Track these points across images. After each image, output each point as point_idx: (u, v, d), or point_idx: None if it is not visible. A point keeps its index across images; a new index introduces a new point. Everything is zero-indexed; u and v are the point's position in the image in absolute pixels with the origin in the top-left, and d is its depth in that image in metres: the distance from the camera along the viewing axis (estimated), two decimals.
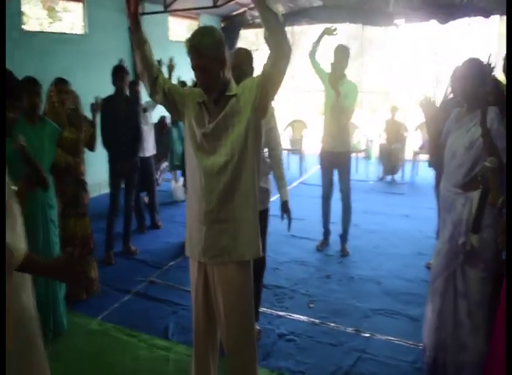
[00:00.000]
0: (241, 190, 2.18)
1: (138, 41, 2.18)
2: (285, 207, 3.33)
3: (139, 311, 3.82)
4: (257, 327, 3.35)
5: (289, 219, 3.33)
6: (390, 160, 8.26)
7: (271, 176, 3.35)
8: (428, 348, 2.94)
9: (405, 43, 10.81)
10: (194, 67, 2.12)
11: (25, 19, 6.85)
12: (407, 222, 6.10)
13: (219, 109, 2.16)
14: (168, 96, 2.27)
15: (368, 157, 9.22)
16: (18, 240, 1.76)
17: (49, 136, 3.31)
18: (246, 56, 3.10)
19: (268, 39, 1.99)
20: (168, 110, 2.36)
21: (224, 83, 2.16)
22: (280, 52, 2.00)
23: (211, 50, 2.06)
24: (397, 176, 8.39)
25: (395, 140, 8.35)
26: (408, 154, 8.51)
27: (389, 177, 8.46)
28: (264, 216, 3.12)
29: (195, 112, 2.22)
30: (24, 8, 6.66)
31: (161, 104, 2.35)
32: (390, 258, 4.91)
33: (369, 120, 11.66)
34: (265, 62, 2.07)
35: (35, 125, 3.26)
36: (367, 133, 9.42)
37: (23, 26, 6.42)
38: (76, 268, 1.79)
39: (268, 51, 2.04)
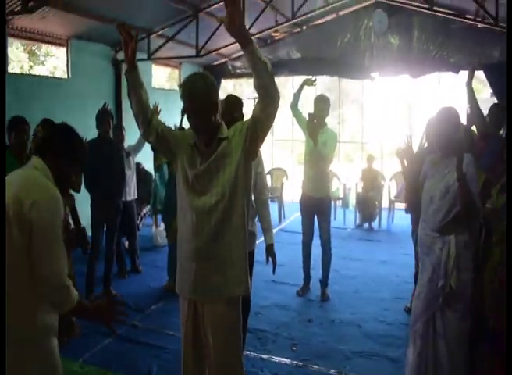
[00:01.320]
0: (231, 229, 2.26)
1: (134, 81, 2.29)
2: (270, 250, 3.40)
3: (121, 354, 3.78)
4: None
5: (274, 262, 3.39)
6: (367, 208, 8.47)
7: (256, 220, 3.44)
8: None
9: (380, 95, 11.30)
10: (187, 110, 2.24)
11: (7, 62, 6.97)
12: (384, 267, 6.22)
13: (211, 151, 2.26)
14: (162, 137, 2.36)
15: (345, 205, 9.42)
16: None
17: None
18: (236, 103, 3.27)
19: (258, 86, 2.12)
20: (161, 151, 2.46)
21: (215, 126, 2.27)
22: (269, 99, 2.13)
23: (203, 94, 2.19)
24: (374, 224, 8.57)
25: (371, 188, 8.59)
26: (385, 202, 8.75)
27: (366, 225, 8.63)
28: (250, 258, 3.17)
29: (187, 153, 2.31)
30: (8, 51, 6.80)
31: (154, 145, 2.45)
32: (370, 302, 4.97)
33: (346, 169, 11.97)
34: (255, 107, 2.20)
35: (23, 162, 3.32)
36: (344, 182, 9.67)
37: (8, 71, 6.54)
38: (115, 310, 1.96)
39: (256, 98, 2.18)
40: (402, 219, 7.33)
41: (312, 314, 4.67)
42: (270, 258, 3.41)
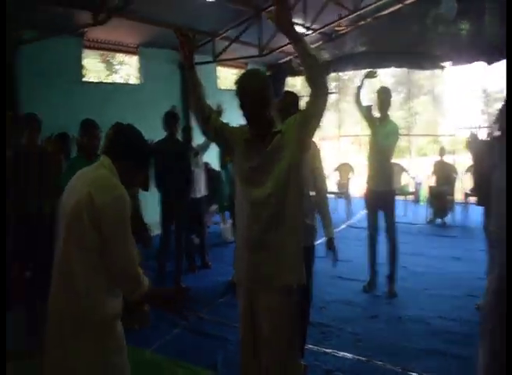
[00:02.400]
0: (285, 220, 2.31)
1: (192, 80, 2.42)
2: (330, 244, 3.40)
3: (188, 344, 3.94)
4: (304, 363, 3.37)
5: (335, 256, 3.39)
6: (439, 202, 8.15)
7: (317, 214, 3.45)
8: None
9: (453, 85, 10.82)
10: (242, 106, 2.32)
11: (84, 71, 7.46)
12: (457, 264, 5.97)
13: (265, 145, 2.34)
14: (219, 134, 2.48)
15: (416, 200, 9.13)
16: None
17: None
18: (292, 99, 3.31)
19: (308, 79, 2.20)
20: (219, 146, 2.58)
21: (269, 120, 2.34)
22: (318, 91, 2.20)
23: (258, 90, 2.26)
24: (447, 219, 8.24)
25: (444, 182, 8.27)
26: (459, 196, 8.38)
27: (438, 220, 8.32)
28: (309, 252, 3.17)
29: (243, 148, 2.40)
30: (84, 61, 7.28)
31: (213, 141, 2.58)
32: (440, 300, 4.81)
33: (419, 163, 11.59)
34: (306, 101, 2.27)
35: (92, 161, 3.56)
36: (415, 176, 9.37)
37: (83, 79, 6.99)
38: (184, 299, 2.12)
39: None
40: (478, 214, 6.98)
41: (378, 310, 4.60)
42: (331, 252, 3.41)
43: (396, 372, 3.47)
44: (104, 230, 1.94)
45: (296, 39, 2.14)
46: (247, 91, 2.27)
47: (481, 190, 3.17)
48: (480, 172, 3.10)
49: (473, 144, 3.09)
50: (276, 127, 2.36)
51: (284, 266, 2.34)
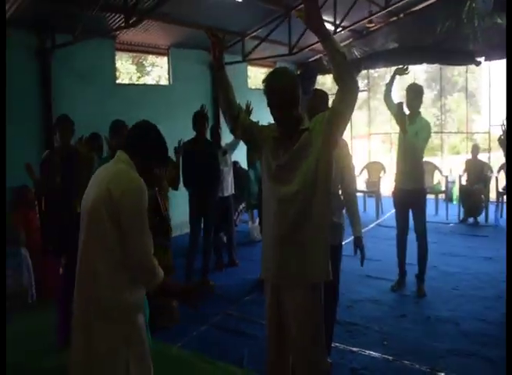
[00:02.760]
0: (312, 216, 2.34)
1: (221, 80, 2.47)
2: (358, 242, 3.40)
3: (215, 340, 4.01)
4: (329, 361, 3.38)
5: (362, 255, 3.39)
6: (472, 201, 7.99)
7: (345, 212, 3.45)
8: None
9: (487, 81, 10.54)
10: (270, 104, 2.35)
11: (117, 74, 7.63)
12: (489, 264, 5.85)
13: (293, 143, 2.36)
14: (248, 132, 2.53)
15: (448, 199, 8.97)
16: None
17: None
18: (322, 97, 3.33)
19: (336, 76, 2.21)
20: (248, 144, 2.61)
21: (297, 118, 2.37)
22: (347, 89, 2.20)
23: (286, 88, 2.29)
24: (480, 218, 8.06)
25: (477, 180, 8.09)
26: (493, 195, 8.19)
27: (471, 219, 8.15)
28: (336, 251, 3.18)
29: (271, 145, 2.44)
30: (117, 64, 7.45)
31: (241, 139, 2.63)
32: (470, 300, 4.73)
33: (451, 161, 11.37)
34: (334, 98, 2.27)
35: None
36: (447, 175, 9.20)
37: (116, 81, 7.16)
38: (200, 295, 2.19)
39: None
40: None
41: (406, 310, 4.56)
42: (358, 250, 3.41)
43: (423, 372, 3.45)
44: (121, 222, 2.00)
45: (326, 37, 2.15)
46: (275, 89, 2.30)
47: None
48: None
49: (505, 140, 3.01)
50: (304, 125, 2.38)
51: (311, 262, 2.36)
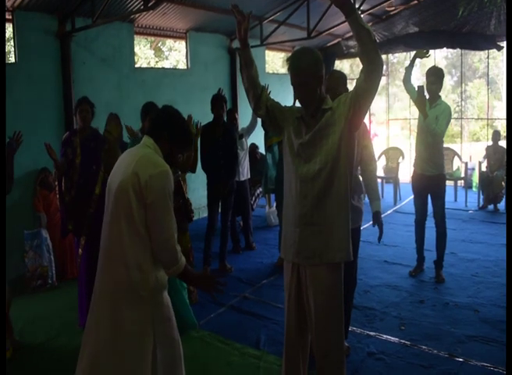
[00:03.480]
0: (333, 196, 2.35)
1: (246, 59, 2.46)
2: (376, 217, 3.36)
3: (233, 322, 4.04)
4: (346, 344, 3.39)
5: (381, 230, 3.36)
6: (492, 188, 7.88)
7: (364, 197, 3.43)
8: None
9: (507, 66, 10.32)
10: (294, 83, 2.36)
11: (136, 58, 7.63)
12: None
13: (316, 122, 2.37)
14: (270, 111, 2.53)
15: (468, 185, 8.85)
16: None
17: None
18: (340, 78, 3.29)
19: (361, 53, 2.20)
20: (269, 124, 2.61)
21: (320, 98, 2.38)
22: (372, 66, 2.18)
23: (310, 67, 2.30)
24: (500, 205, 7.95)
25: (497, 167, 7.96)
26: None
27: (490, 206, 8.05)
28: (355, 234, 3.18)
29: (294, 125, 2.45)
30: (135, 48, 7.44)
31: (263, 118, 2.62)
32: (490, 287, 4.69)
33: (471, 148, 11.21)
34: (359, 76, 2.27)
35: None
36: (466, 161, 9.07)
37: (135, 65, 7.16)
38: (216, 282, 2.22)
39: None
40: None
41: (424, 296, 4.53)
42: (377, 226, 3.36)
43: (441, 357, 3.43)
44: (147, 206, 2.05)
45: (351, 12, 2.13)
46: (299, 67, 2.31)
47: None
48: None
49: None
50: (327, 105, 2.37)
51: (333, 241, 2.37)
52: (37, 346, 3.76)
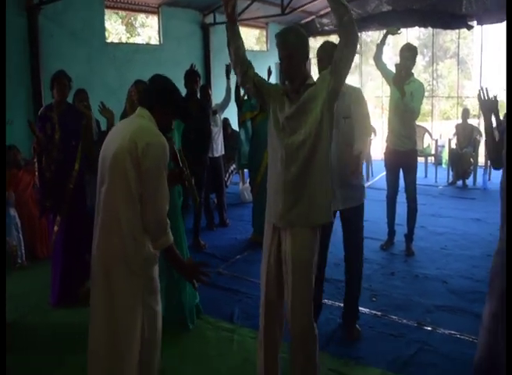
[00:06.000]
0: (317, 163, 2.49)
1: (233, 34, 2.56)
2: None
3: (207, 298, 4.04)
4: (358, 327, 3.48)
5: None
6: (461, 165, 8.06)
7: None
8: (478, 349, 2.70)
9: (478, 46, 10.48)
10: (281, 57, 2.50)
11: (107, 34, 7.43)
12: (477, 225, 5.95)
13: (299, 97, 2.51)
14: (257, 86, 2.65)
15: (438, 162, 9.03)
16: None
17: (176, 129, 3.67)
18: (333, 48, 3.28)
19: (338, 27, 2.40)
20: (255, 97, 2.77)
21: (305, 74, 2.54)
22: (350, 36, 2.38)
23: (297, 41, 2.47)
24: (468, 181, 8.15)
25: (466, 144, 8.14)
26: (481, 159, 8.25)
27: (459, 182, 8.24)
28: (359, 212, 3.34)
29: (278, 100, 2.59)
30: (106, 24, 7.24)
31: (250, 93, 2.75)
32: (458, 259, 4.83)
33: (441, 127, 11.39)
34: (337, 48, 2.46)
35: None
36: (436, 138, 9.24)
37: (106, 40, 6.99)
38: (199, 272, 2.26)
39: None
40: (499, 177, 6.87)
41: (395, 268, 4.64)
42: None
43: (410, 326, 3.54)
44: (142, 174, 2.06)
45: None
46: (288, 41, 2.47)
47: (490, 152, 2.98)
48: (489, 136, 2.92)
49: (483, 101, 2.92)
50: (310, 81, 2.53)
51: (316, 206, 2.51)
52: (9, 324, 3.71)
